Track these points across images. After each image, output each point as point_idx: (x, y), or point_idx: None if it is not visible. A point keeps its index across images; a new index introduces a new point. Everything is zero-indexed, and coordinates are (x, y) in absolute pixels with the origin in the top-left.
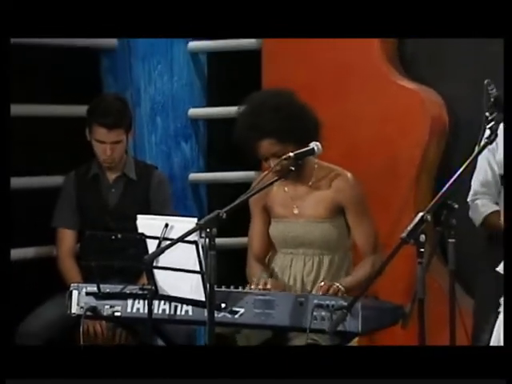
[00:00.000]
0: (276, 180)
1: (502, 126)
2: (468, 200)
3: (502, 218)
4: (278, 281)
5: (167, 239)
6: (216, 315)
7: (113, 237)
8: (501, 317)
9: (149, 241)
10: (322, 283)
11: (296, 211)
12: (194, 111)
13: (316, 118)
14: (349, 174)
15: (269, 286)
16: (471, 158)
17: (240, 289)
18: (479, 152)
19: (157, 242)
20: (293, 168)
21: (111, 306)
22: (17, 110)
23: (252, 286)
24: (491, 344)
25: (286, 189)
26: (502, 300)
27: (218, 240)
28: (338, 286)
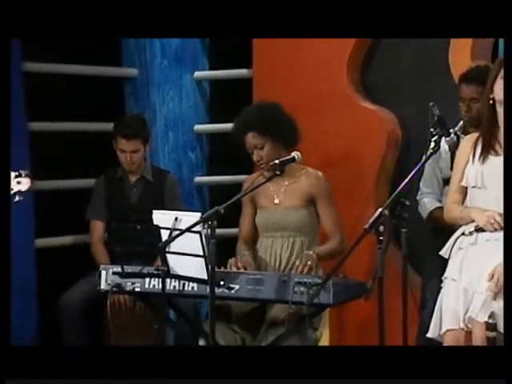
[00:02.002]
0: (265, 181)
1: (443, 139)
2: (417, 198)
3: (443, 213)
4: (247, 259)
5: (177, 230)
6: (216, 290)
7: (134, 228)
8: (442, 291)
9: (162, 231)
10: (298, 262)
11: (276, 201)
12: (198, 127)
13: (294, 123)
14: (319, 173)
15: (240, 265)
16: (419, 165)
17: (234, 269)
18: (426, 160)
19: (168, 232)
20: (278, 172)
21: (132, 283)
22: (59, 126)
23: (231, 260)
24: (434, 312)
25: (268, 184)
26: (443, 277)
27: (218, 230)
28: (310, 255)
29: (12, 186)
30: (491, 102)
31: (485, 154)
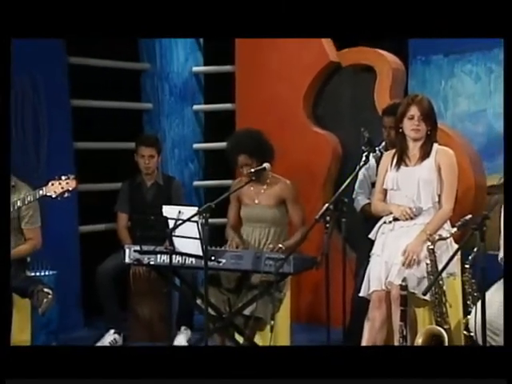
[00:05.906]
0: (244, 185)
1: (371, 154)
2: (353, 197)
3: (372, 208)
4: (241, 241)
5: (180, 220)
6: (209, 264)
7: (149, 218)
8: (370, 263)
9: (169, 221)
10: (271, 246)
11: (256, 201)
12: (196, 145)
13: (271, 146)
14: (288, 181)
15: (234, 245)
16: (354, 173)
17: (223, 248)
18: (359, 169)
19: (174, 221)
20: (253, 178)
21: (148, 258)
22: (96, 145)
23: (228, 244)
24: (364, 278)
25: (251, 188)
26: (371, 253)
27: (210, 220)
28: (280, 246)
29: (62, 186)
30: (401, 130)
31: (398, 165)
